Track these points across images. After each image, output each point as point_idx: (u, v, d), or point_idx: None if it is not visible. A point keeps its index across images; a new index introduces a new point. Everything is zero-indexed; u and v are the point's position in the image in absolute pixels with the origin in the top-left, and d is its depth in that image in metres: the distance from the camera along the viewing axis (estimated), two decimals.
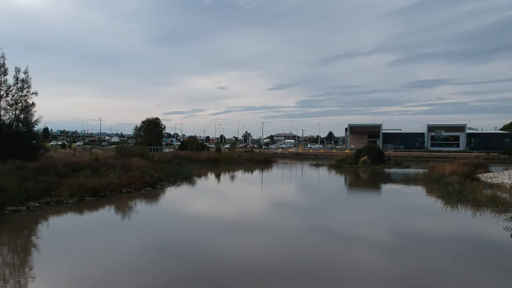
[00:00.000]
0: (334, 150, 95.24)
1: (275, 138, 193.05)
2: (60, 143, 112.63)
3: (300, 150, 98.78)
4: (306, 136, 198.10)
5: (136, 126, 64.42)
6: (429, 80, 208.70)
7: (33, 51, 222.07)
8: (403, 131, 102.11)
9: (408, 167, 53.57)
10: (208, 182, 33.74)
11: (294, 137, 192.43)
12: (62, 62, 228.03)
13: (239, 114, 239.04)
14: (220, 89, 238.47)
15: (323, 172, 47.88)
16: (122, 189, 22.42)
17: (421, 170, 42.94)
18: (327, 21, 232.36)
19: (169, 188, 26.15)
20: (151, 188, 24.22)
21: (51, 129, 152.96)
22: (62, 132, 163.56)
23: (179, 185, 27.81)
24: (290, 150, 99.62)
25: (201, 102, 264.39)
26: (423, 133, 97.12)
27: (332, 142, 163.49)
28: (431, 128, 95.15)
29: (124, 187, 22.80)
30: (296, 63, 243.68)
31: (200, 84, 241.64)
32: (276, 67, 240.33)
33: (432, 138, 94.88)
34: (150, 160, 34.87)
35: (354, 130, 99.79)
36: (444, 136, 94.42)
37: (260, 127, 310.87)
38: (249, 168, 52.17)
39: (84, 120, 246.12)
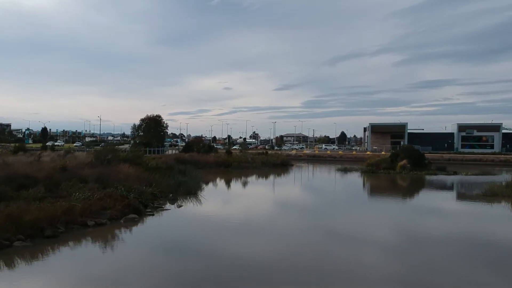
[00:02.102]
0: (354, 152, 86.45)
1: (284, 138, 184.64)
2: (56, 143, 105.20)
3: (316, 152, 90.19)
4: (316, 137, 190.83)
5: (135, 125, 56.05)
6: (435, 80, 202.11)
7: (39, 51, 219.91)
8: (429, 130, 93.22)
9: (455, 173, 44.84)
10: (220, 197, 25.30)
11: (304, 137, 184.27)
12: (68, 63, 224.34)
13: (245, 114, 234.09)
14: (225, 90, 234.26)
15: (359, 180, 39.30)
16: (88, 219, 14.07)
17: (474, 177, 34.46)
18: (333, 21, 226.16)
19: (164, 212, 17.70)
20: (136, 216, 15.78)
21: (50, 129, 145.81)
22: (65, 132, 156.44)
23: (180, 206, 19.36)
24: (305, 151, 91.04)
25: (206, 102, 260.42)
26: (452, 133, 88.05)
27: (347, 143, 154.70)
28: (461, 127, 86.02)
29: (93, 216, 14.46)
30: (301, 63, 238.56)
31: (205, 84, 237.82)
32: (282, 67, 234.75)
33: (463, 138, 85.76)
34: (145, 167, 26.61)
35: (375, 129, 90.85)
36: (476, 136, 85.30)
37: (266, 127, 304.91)
38: (266, 174, 43.81)
39: (86, 120, 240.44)
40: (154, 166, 27.61)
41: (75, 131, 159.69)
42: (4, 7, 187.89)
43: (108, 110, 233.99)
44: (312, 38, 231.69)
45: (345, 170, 47.84)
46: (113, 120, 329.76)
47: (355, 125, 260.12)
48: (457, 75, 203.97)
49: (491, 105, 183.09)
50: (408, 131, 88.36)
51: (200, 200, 22.36)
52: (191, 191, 24.02)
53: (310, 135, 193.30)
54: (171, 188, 23.43)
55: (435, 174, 43.19)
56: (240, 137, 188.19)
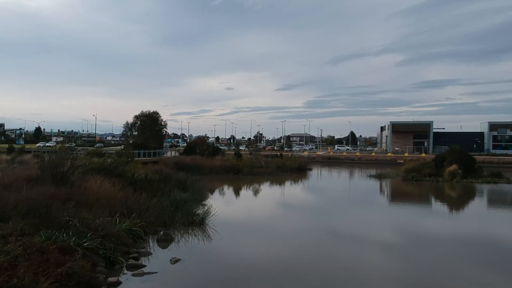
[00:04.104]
0: (373, 154, 78.12)
1: (291, 139, 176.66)
2: (48, 144, 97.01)
3: (331, 153, 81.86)
4: (323, 137, 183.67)
5: (127, 123, 47.73)
6: (438, 80, 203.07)
7: (41, 52, 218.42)
8: (456, 130, 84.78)
9: None
10: (241, 228, 16.95)
11: (311, 137, 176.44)
12: (70, 63, 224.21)
13: (246, 114, 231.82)
14: (227, 90, 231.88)
15: (407, 191, 30.87)
16: None
17: None
18: (335, 21, 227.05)
19: (145, 283, 9.40)
20: None
21: (44, 129, 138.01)
22: (60, 132, 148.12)
23: (176, 260, 10.92)
24: (318, 153, 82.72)
25: (208, 102, 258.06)
26: (482, 133, 79.65)
27: (358, 143, 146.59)
28: (493, 126, 77.60)
29: None
30: (304, 63, 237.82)
31: (207, 84, 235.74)
32: (284, 67, 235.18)
33: (495, 138, 77.30)
34: (129, 181, 18.46)
35: (396, 129, 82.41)
36: (510, 136, 76.87)
37: (268, 127, 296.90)
38: (284, 181, 35.76)
39: (84, 120, 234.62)
40: (143, 179, 19.43)
41: (71, 130, 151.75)
42: (7, 7, 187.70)
43: (110, 110, 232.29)
44: (314, 38, 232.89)
45: (379, 177, 39.60)
46: (115, 120, 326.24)
47: (357, 125, 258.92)
48: (459, 75, 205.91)
49: (493, 105, 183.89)
50: (434, 130, 79.99)
51: (209, 235, 14.22)
52: (195, 219, 15.83)
53: (316, 135, 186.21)
54: (165, 215, 15.26)
55: (494, 182, 34.98)
56: (243, 137, 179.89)
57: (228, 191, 29.22)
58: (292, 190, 31.90)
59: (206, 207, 18.21)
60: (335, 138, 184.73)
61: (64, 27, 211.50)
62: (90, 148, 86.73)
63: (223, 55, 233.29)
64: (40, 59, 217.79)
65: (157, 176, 20.21)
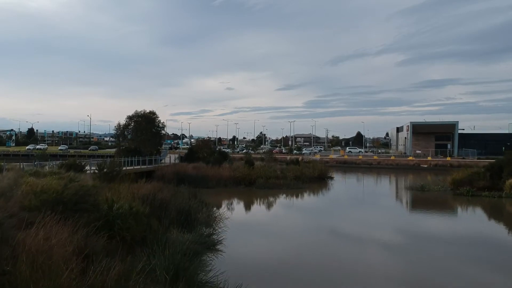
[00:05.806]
0: (392, 157, 71.14)
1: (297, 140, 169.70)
2: (38, 147, 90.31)
3: (345, 157, 74.96)
4: (329, 138, 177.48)
5: (119, 125, 40.75)
6: (438, 80, 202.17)
7: (42, 52, 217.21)
8: (481, 131, 77.83)
9: None
10: None
11: (316, 138, 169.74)
12: (71, 64, 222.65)
13: (247, 114, 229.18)
14: (228, 90, 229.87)
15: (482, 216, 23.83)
16: None
17: None
18: (336, 21, 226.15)
19: None
20: None
21: (37, 130, 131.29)
22: (53, 133, 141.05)
23: None
24: (331, 156, 75.75)
25: (208, 102, 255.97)
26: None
27: (367, 144, 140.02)
28: None
29: None
30: (304, 63, 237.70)
31: (208, 85, 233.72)
32: (284, 67, 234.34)
33: None
34: (105, 219, 11.66)
35: (417, 129, 75.42)
36: None
37: (269, 128, 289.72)
38: (309, 195, 28.97)
39: (81, 120, 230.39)
40: (125, 213, 12.55)
41: (66, 131, 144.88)
42: (8, 8, 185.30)
43: (110, 110, 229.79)
44: (315, 38, 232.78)
45: (422, 189, 32.69)
46: (114, 121, 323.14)
47: (358, 125, 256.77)
48: (460, 75, 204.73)
49: (494, 104, 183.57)
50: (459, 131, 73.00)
51: None
52: None
53: (321, 135, 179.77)
54: None
55: None
56: (244, 137, 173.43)
57: (244, 214, 22.30)
58: (333, 214, 24.88)
59: (225, 265, 11.31)
60: (340, 138, 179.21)
61: (65, 28, 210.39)
62: (82, 151, 79.92)
63: (224, 55, 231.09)
64: (40, 59, 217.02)
65: (147, 209, 13.34)
